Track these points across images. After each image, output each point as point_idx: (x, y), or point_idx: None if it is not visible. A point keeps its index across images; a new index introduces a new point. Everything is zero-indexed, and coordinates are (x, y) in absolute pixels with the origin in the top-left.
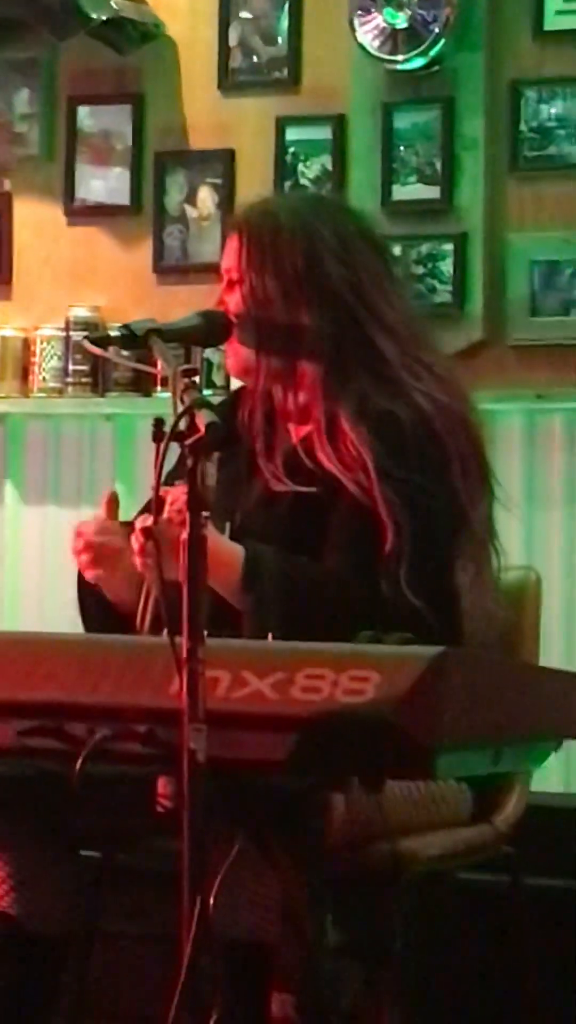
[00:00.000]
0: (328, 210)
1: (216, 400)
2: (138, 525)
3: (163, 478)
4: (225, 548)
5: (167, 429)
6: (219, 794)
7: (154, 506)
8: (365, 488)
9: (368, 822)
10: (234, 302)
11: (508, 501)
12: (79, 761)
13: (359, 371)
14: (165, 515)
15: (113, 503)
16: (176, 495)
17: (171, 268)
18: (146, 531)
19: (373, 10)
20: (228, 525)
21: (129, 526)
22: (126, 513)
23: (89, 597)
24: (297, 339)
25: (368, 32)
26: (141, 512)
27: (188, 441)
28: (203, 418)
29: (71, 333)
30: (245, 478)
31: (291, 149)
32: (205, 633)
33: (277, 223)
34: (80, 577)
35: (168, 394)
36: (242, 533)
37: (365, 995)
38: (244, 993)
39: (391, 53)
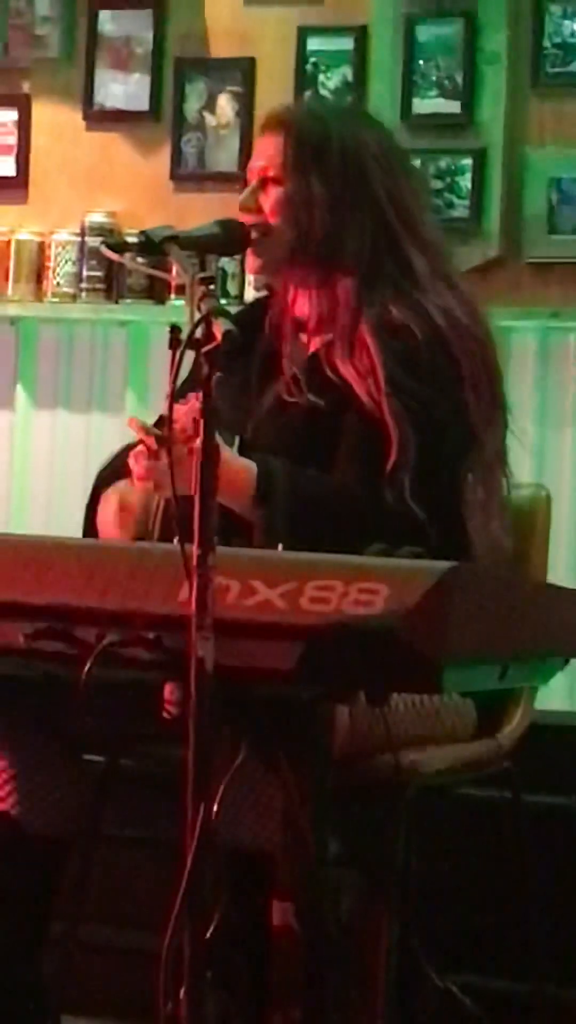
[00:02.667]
0: (370, 120)
1: (233, 310)
2: (145, 436)
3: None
4: (236, 464)
5: (183, 336)
6: (225, 702)
7: (168, 411)
8: (375, 399)
9: (372, 734)
10: (270, 202)
11: (520, 426)
12: (87, 665)
13: (387, 283)
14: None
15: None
16: (179, 413)
17: (188, 175)
18: (158, 439)
19: None
20: (239, 438)
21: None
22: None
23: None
24: (336, 247)
25: None
26: (156, 422)
27: (204, 349)
28: (220, 326)
29: (87, 238)
30: (257, 390)
31: (312, 59)
32: (215, 541)
33: (326, 127)
34: (88, 513)
35: (182, 302)
36: (253, 444)
37: (365, 905)
38: (244, 900)
39: None
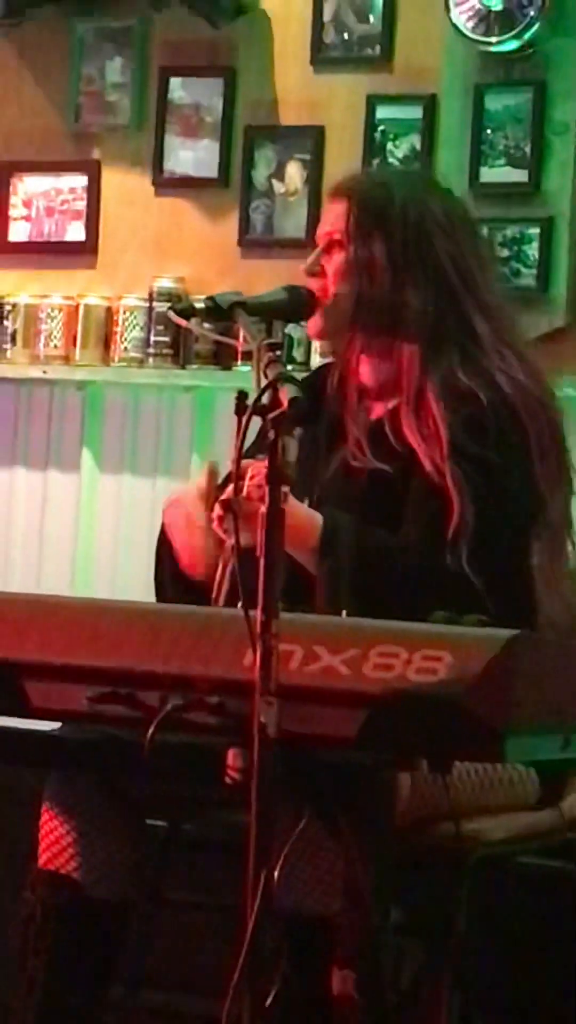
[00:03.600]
0: (435, 187)
1: (299, 376)
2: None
3: (243, 453)
4: (304, 514)
5: (250, 403)
6: (288, 768)
7: (234, 478)
8: (438, 465)
9: (434, 802)
10: (334, 267)
11: None
12: (151, 729)
13: (452, 349)
14: (245, 489)
15: (213, 476)
16: (256, 469)
17: (256, 242)
18: (225, 503)
19: None
20: (307, 500)
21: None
22: None
23: (166, 564)
24: (398, 312)
25: (463, 13)
26: (222, 484)
27: (271, 415)
28: (286, 392)
29: (154, 304)
30: (324, 454)
31: (381, 127)
32: (280, 607)
33: (389, 193)
34: (159, 544)
35: (248, 368)
36: (320, 507)
37: (425, 975)
38: (305, 968)
39: (485, 35)
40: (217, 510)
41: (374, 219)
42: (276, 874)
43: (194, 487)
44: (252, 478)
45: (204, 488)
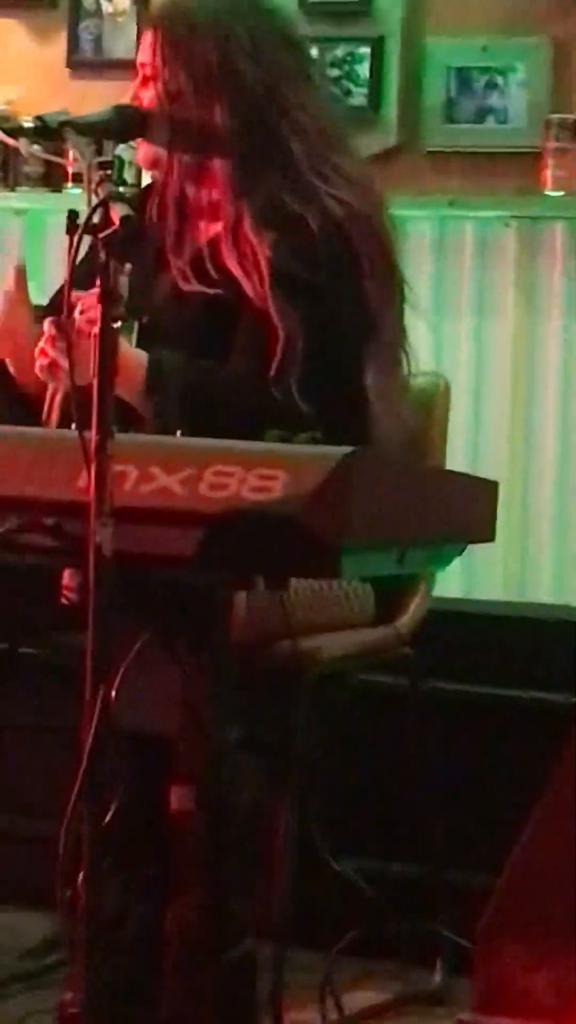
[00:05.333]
0: (245, 8)
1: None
2: (46, 325)
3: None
4: (129, 354)
5: (80, 222)
6: (124, 588)
7: (66, 298)
8: (260, 293)
9: (271, 620)
10: (148, 97)
11: (418, 308)
12: None
13: (267, 171)
14: (77, 320)
15: (21, 276)
16: (87, 303)
17: (85, 63)
18: (57, 324)
19: None
20: (136, 324)
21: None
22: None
23: None
24: (208, 136)
25: None
26: (49, 305)
27: (102, 234)
28: (118, 211)
29: None
30: (152, 278)
31: None
32: (114, 428)
33: (191, 20)
34: None
35: (79, 190)
36: (151, 333)
37: (264, 791)
38: (144, 785)
39: None
40: (48, 333)
41: (176, 48)
42: (114, 693)
43: (3, 297)
44: (83, 312)
45: (14, 291)
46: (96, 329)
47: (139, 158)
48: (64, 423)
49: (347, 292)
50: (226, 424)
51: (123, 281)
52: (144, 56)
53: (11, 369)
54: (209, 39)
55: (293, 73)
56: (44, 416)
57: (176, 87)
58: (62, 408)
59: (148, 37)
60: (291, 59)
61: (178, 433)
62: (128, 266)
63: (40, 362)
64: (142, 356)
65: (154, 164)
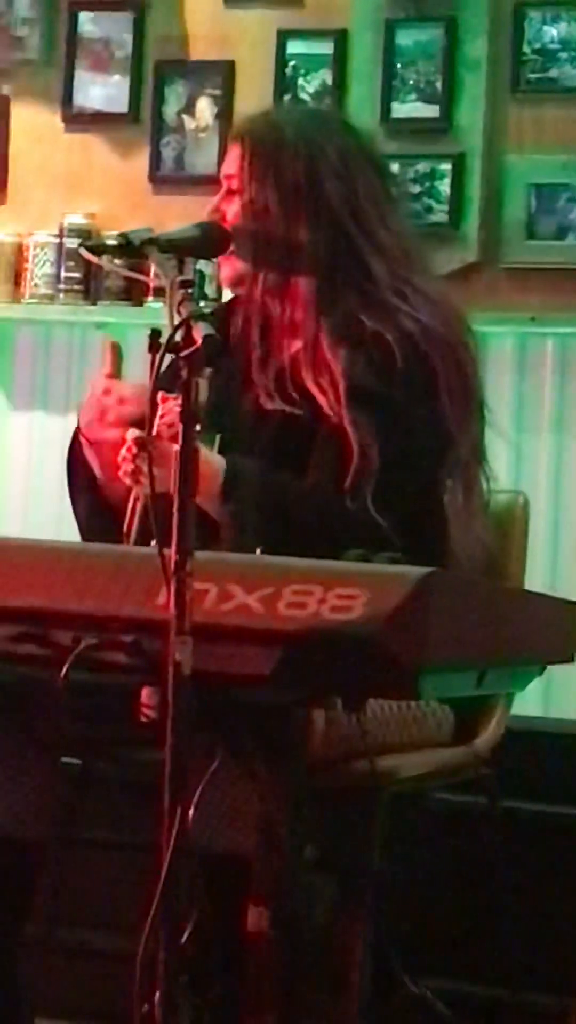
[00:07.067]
0: (332, 126)
1: (208, 309)
2: (130, 436)
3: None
4: (206, 459)
5: (163, 340)
6: (202, 707)
7: (148, 417)
8: (336, 409)
9: (348, 739)
10: (232, 211)
11: (497, 425)
12: (64, 668)
13: (348, 290)
14: (156, 428)
15: (115, 353)
16: (167, 408)
17: (167, 178)
18: (138, 441)
19: None
20: (217, 440)
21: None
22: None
23: (78, 467)
24: (292, 253)
25: None
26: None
27: (184, 353)
28: (199, 330)
29: (65, 240)
30: (236, 393)
31: (291, 63)
32: (193, 545)
33: (281, 136)
34: (72, 446)
35: (159, 304)
36: (230, 449)
37: (340, 910)
38: (220, 905)
39: None
40: (129, 449)
41: (264, 163)
42: (191, 812)
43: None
44: (163, 416)
45: (109, 371)
46: (176, 447)
47: (222, 277)
48: (143, 541)
49: (423, 408)
50: (301, 534)
51: (203, 386)
52: (230, 169)
53: (98, 474)
54: (298, 156)
55: (376, 192)
56: (125, 527)
57: (263, 203)
58: (141, 521)
59: (235, 150)
60: (375, 178)
61: (258, 551)
62: (209, 371)
63: (124, 468)
64: (220, 462)
65: (238, 283)
